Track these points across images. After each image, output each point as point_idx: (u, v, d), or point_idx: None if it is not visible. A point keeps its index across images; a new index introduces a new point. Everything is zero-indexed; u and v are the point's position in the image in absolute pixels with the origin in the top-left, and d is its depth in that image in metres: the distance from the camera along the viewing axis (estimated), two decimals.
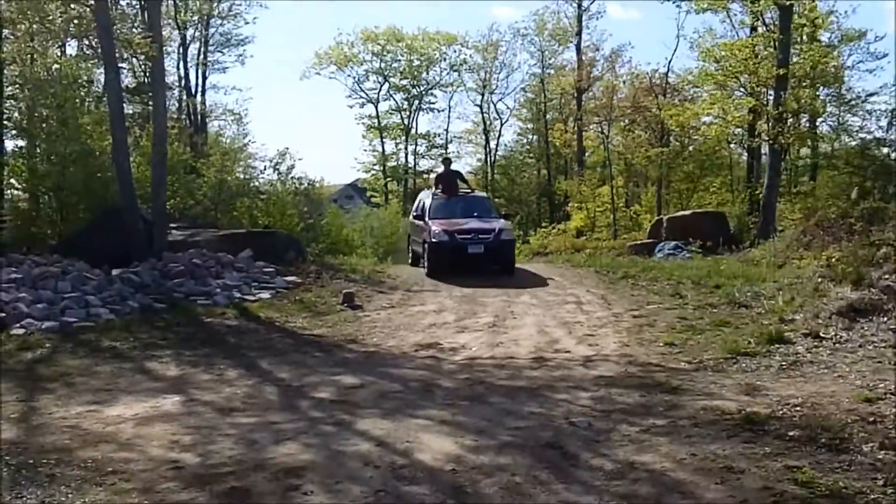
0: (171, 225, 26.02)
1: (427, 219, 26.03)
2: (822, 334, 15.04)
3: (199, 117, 57.13)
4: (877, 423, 10.10)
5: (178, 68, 56.32)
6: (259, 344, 16.31)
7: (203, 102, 58.55)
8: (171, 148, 30.09)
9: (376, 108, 72.03)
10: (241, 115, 62.49)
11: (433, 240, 24.80)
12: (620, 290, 21.92)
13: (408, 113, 72.28)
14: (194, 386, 13.13)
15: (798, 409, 10.81)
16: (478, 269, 24.39)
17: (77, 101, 29.34)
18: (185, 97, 56.49)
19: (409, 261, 28.85)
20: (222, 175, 35.05)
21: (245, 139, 52.07)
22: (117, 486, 8.61)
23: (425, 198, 28.09)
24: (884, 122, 38.63)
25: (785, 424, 10.18)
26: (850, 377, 12.40)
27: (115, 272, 20.50)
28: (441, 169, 31.30)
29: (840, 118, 42.49)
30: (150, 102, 32.06)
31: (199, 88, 58.52)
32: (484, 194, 32.97)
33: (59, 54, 33.23)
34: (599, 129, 57.95)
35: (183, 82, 56.83)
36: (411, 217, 28.67)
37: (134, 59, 41.01)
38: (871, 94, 45.78)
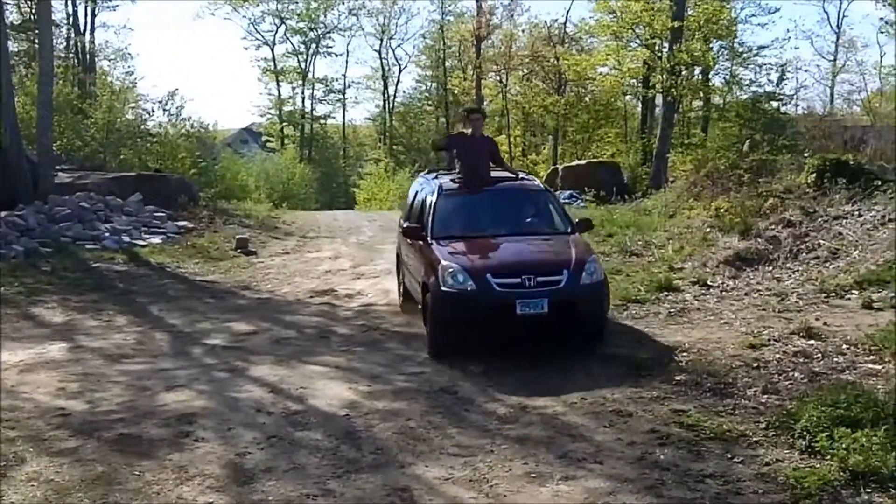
0: (58, 167, 25.33)
1: (429, 237, 12.23)
2: (709, 282, 15.39)
3: (87, 56, 55.27)
4: (760, 369, 10.39)
5: (65, 5, 54.43)
6: (150, 290, 16.05)
7: (92, 41, 56.64)
8: (57, 87, 29.25)
9: (272, 50, 70.85)
10: (130, 54, 60.92)
11: (442, 287, 11.13)
12: None
13: (305, 57, 71.25)
14: (82, 332, 12.89)
15: (685, 354, 11.06)
16: (536, 348, 11.27)
17: None
18: (73, 35, 54.61)
19: (399, 299, 14.46)
20: (111, 116, 34.15)
21: (134, 79, 50.67)
22: (2, 435, 8.42)
23: (425, 188, 13.80)
24: (774, 76, 39.43)
25: (672, 369, 10.42)
26: (736, 324, 12.71)
27: None
28: (460, 129, 17.15)
29: (732, 71, 43.20)
30: (36, 40, 31.02)
31: (88, 26, 56.64)
32: (537, 182, 14.59)
33: None
34: (498, 79, 57.99)
35: (71, 20, 54.89)
36: (400, 226, 14.44)
37: None
38: (763, 48, 46.74)
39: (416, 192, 14.13)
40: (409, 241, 12.99)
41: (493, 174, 13.29)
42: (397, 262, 14.91)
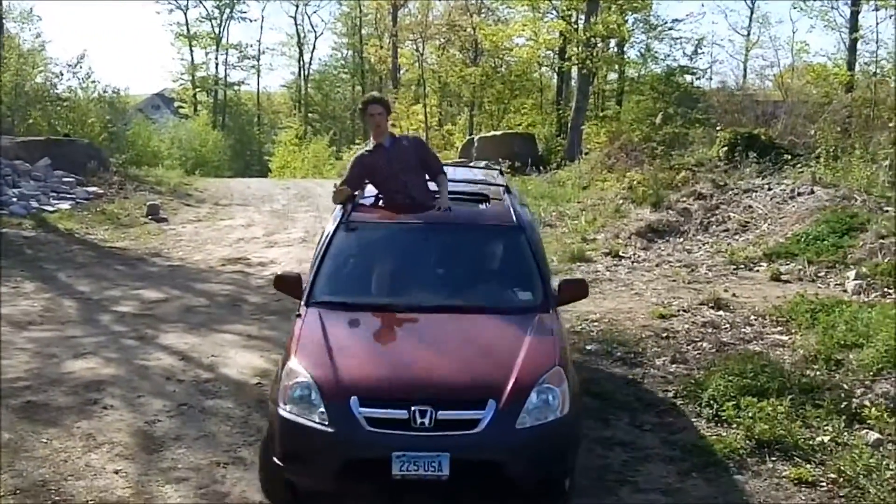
0: None
1: (304, 299, 7.22)
2: (621, 253, 15.61)
3: None
4: (669, 339, 10.60)
5: None
6: (58, 256, 15.72)
7: None
8: None
9: (185, 14, 69.47)
10: (38, 16, 59.36)
11: (280, 408, 6.24)
12: None
13: (219, 21, 70.11)
14: None
15: (596, 324, 11.23)
16: None
17: None
18: None
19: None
20: (19, 79, 33.30)
21: (42, 42, 49.44)
22: None
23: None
24: (689, 50, 39.87)
25: (583, 338, 10.58)
26: (646, 294, 12.93)
27: None
28: (364, 149, 8.70)
29: (647, 45, 43.58)
30: None
31: None
32: (508, 207, 8.16)
33: None
34: (414, 48, 57.81)
35: None
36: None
37: None
38: (678, 21, 47.18)
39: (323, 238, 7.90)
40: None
41: (436, 201, 7.96)
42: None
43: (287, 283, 7.40)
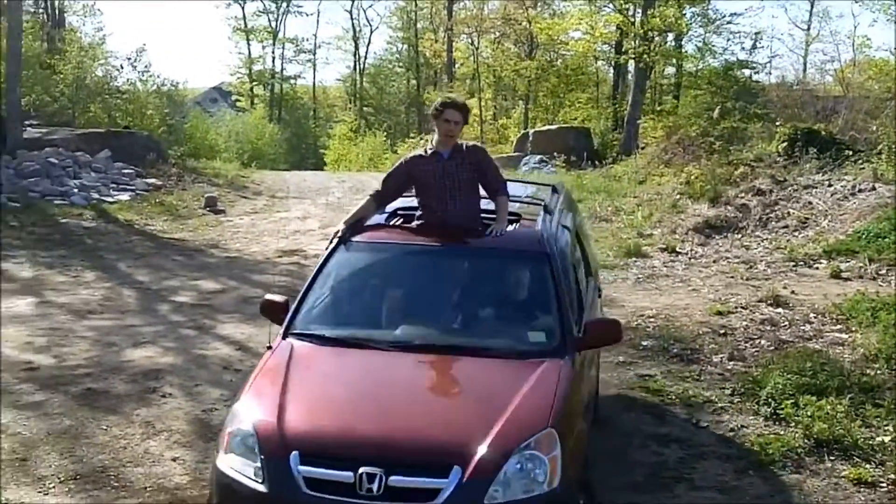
0: (27, 122, 25.00)
1: (284, 326, 6.24)
2: (678, 249, 15.48)
3: (56, 12, 54.60)
4: (727, 336, 10.50)
5: None
6: (117, 246, 15.93)
7: None
8: (26, 42, 28.75)
9: (243, 9, 70.00)
10: (100, 10, 60.08)
11: (217, 459, 5.35)
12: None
13: (275, 16, 70.49)
14: (49, 287, 12.80)
15: (652, 320, 11.15)
16: None
17: None
18: None
19: None
20: (80, 72, 33.73)
21: (103, 36, 49.96)
22: None
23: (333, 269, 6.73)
24: (748, 44, 39.43)
25: (639, 335, 10.49)
26: (703, 291, 12.81)
27: None
28: (419, 150, 7.14)
29: (705, 38, 43.14)
30: None
31: None
32: (538, 231, 6.69)
33: None
34: (470, 41, 57.73)
35: None
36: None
37: None
38: (736, 15, 46.68)
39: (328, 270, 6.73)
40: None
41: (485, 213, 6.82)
42: None
43: (273, 310, 6.39)
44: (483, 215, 6.76)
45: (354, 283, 6.72)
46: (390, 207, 6.91)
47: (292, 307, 6.27)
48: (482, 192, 6.84)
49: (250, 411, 5.33)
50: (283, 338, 6.07)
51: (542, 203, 7.20)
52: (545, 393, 5.35)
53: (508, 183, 7.06)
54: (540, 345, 5.91)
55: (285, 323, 6.16)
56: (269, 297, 6.61)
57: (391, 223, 6.81)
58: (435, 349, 5.89)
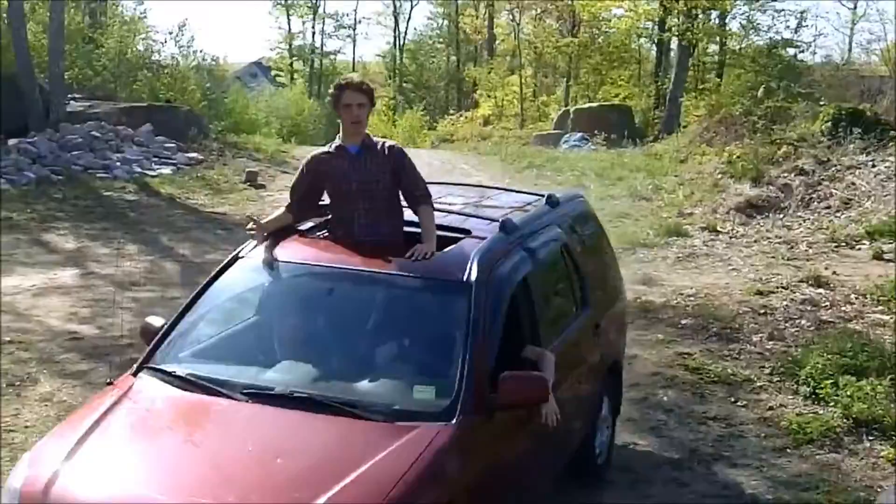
0: (70, 96, 25.22)
1: (144, 357, 5.17)
2: (719, 228, 15.41)
3: None
4: (767, 315, 10.45)
5: None
6: (159, 220, 16.08)
7: None
8: (69, 16, 28.95)
9: None
10: None
11: None
12: (525, 180, 22.03)
13: None
14: (93, 259, 12.96)
15: (692, 299, 11.12)
16: None
17: None
18: None
19: None
20: (122, 47, 33.97)
21: (145, 10, 50.25)
22: (15, 356, 8.54)
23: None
24: (792, 23, 39.01)
25: (679, 313, 10.48)
26: (744, 270, 12.76)
27: (10, 142, 19.85)
28: (323, 148, 6.01)
29: (750, 16, 42.71)
30: None
31: None
32: (466, 264, 5.06)
33: None
34: (510, 17, 57.52)
35: None
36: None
37: None
38: None
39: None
40: None
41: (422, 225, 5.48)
42: None
43: (149, 337, 5.23)
44: (410, 229, 5.51)
45: (240, 310, 5.63)
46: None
47: (159, 335, 5.15)
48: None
49: (30, 465, 4.31)
50: (136, 372, 4.98)
51: (500, 220, 5.61)
52: (395, 467, 4.09)
53: (500, 190, 6.49)
54: (423, 403, 4.57)
55: (143, 354, 5.11)
56: (149, 320, 5.42)
57: (307, 236, 5.66)
58: (293, 402, 4.58)
